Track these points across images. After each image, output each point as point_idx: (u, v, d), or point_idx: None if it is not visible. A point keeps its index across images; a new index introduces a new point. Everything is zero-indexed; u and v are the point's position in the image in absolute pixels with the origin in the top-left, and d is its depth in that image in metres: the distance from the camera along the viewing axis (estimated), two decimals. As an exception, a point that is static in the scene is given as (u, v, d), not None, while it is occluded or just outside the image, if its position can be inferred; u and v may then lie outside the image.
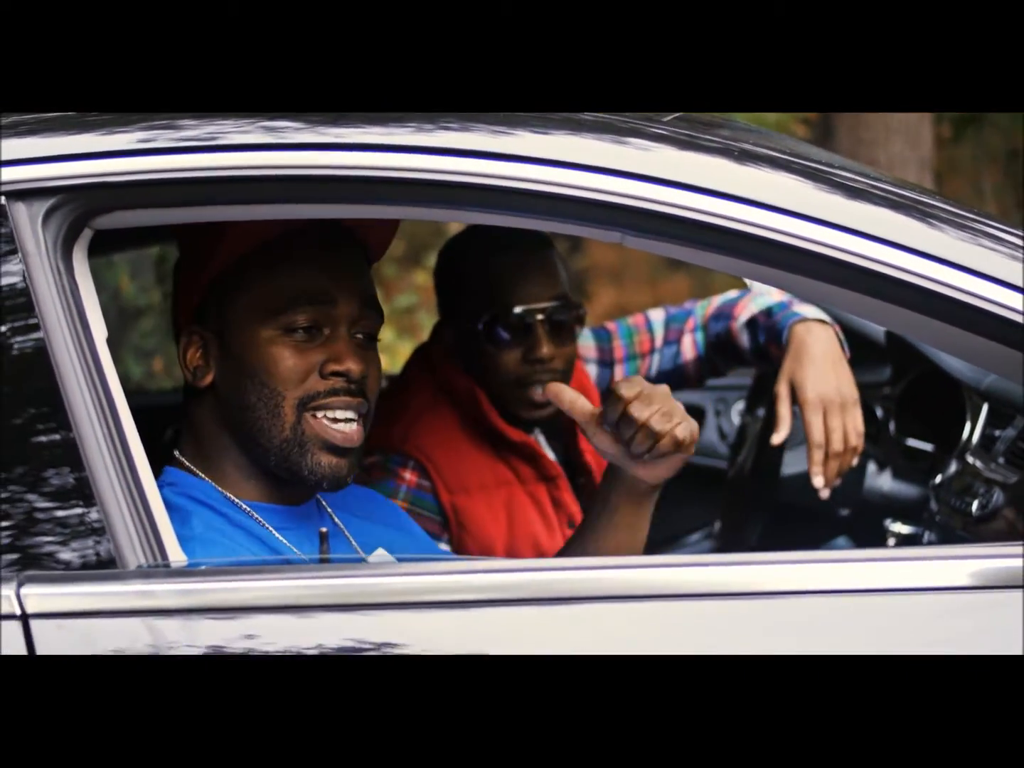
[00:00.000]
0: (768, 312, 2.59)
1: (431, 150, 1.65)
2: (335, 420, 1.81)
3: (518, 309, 2.46)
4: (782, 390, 2.44)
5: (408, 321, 8.89)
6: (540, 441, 2.62)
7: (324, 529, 1.71)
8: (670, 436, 1.80)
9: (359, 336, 1.85)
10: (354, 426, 1.82)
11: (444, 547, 2.50)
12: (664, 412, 1.81)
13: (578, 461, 2.66)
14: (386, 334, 8.19)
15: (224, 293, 1.84)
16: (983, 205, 10.33)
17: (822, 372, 2.43)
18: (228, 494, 1.85)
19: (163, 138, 1.71)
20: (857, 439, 2.40)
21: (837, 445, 2.38)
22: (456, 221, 1.80)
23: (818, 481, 2.38)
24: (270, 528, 1.83)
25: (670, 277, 9.65)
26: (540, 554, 2.54)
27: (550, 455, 2.62)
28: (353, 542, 1.91)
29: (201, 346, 1.85)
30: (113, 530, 1.59)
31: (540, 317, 2.47)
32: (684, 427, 1.81)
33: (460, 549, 2.52)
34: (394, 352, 8.03)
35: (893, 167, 7.20)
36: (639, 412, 1.80)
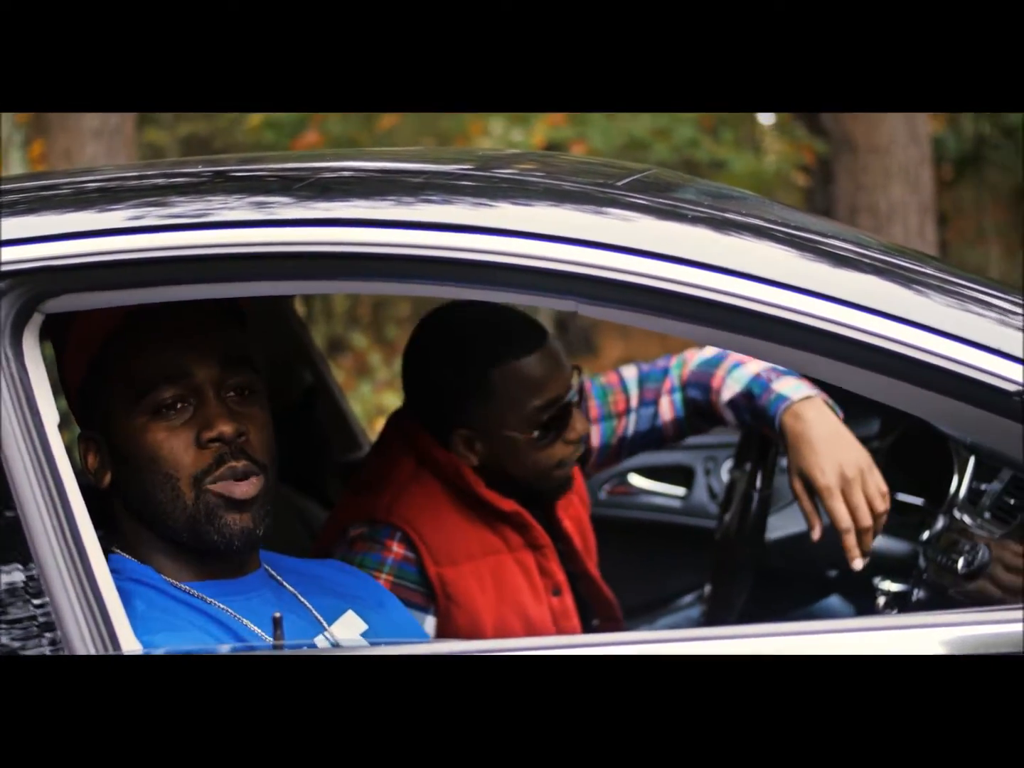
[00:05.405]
0: (748, 395, 2.56)
1: (413, 224, 1.64)
2: (228, 484, 1.82)
3: (555, 406, 2.48)
4: (797, 487, 2.42)
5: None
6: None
7: (277, 614, 1.68)
8: None
9: (231, 395, 1.85)
10: (251, 479, 1.83)
11: (426, 616, 2.47)
12: None
13: (557, 528, 2.63)
14: (388, 397, 8.16)
15: (94, 392, 1.86)
16: (987, 245, 10.31)
17: (825, 455, 2.39)
18: (168, 579, 1.86)
19: (115, 219, 1.69)
20: (882, 502, 2.37)
21: (865, 521, 2.34)
22: (427, 295, 1.78)
23: (857, 564, 2.34)
24: (215, 602, 1.83)
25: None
26: (528, 622, 2.50)
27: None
28: (313, 610, 1.90)
29: (95, 449, 1.87)
30: (62, 621, 1.56)
31: (568, 403, 2.49)
32: None
33: (448, 620, 2.48)
34: (397, 414, 7.98)
35: (894, 212, 7.20)
36: None
